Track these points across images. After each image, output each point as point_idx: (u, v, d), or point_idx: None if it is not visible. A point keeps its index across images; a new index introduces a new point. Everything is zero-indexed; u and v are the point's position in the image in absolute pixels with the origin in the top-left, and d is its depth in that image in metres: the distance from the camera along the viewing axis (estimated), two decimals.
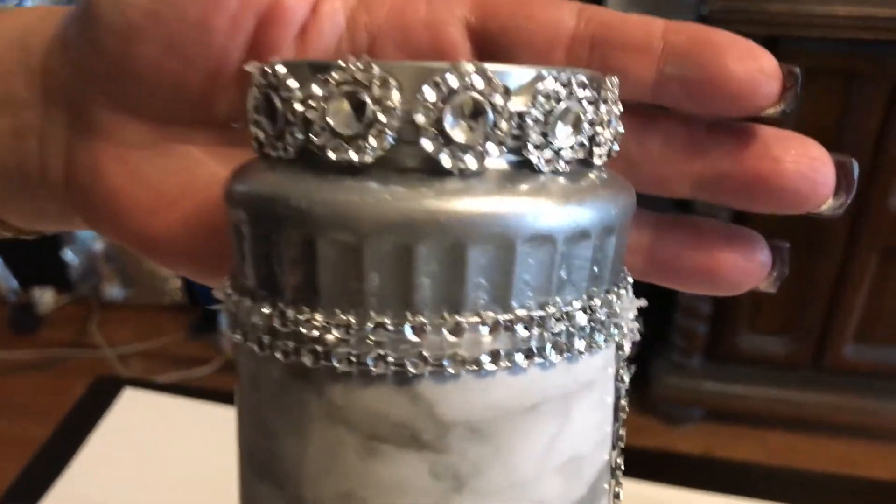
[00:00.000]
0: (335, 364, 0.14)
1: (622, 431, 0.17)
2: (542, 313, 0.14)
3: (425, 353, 0.13)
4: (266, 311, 0.14)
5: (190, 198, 0.20)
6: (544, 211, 0.14)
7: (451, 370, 0.14)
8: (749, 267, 0.19)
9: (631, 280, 0.17)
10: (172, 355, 1.61)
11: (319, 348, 0.14)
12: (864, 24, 1.07)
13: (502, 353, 0.14)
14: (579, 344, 0.15)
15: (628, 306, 0.16)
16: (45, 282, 1.77)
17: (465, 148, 0.14)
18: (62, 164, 0.20)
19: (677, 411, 1.43)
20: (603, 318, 0.15)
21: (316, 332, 0.14)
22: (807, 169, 0.18)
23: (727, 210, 1.24)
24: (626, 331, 0.16)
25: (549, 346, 0.14)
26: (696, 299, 1.33)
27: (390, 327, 0.13)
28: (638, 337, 0.17)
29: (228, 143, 0.20)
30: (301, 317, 0.14)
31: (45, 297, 1.76)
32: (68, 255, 1.74)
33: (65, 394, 0.80)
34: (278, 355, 0.14)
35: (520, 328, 0.14)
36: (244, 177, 0.15)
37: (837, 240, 1.27)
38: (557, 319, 0.14)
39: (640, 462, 0.55)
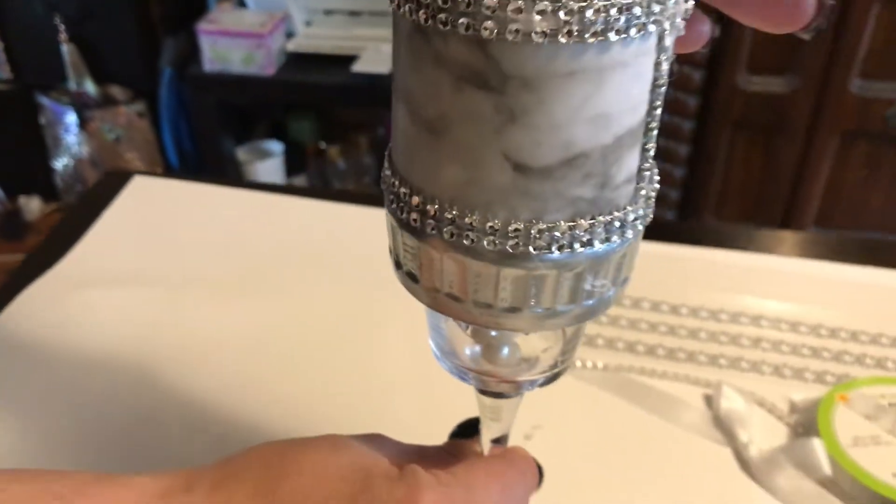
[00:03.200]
0: (439, 25, 0.20)
1: (659, 102, 0.22)
2: (582, 4, 0.19)
3: (494, 23, 0.19)
4: None
5: None
6: None
7: (510, 38, 0.19)
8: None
9: None
10: None
11: (429, 8, 0.20)
12: None
13: (548, 30, 0.19)
14: (612, 34, 0.19)
15: (671, 6, 0.20)
16: (31, 190, 1.80)
17: None
18: None
19: None
20: (639, 13, 0.19)
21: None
22: None
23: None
24: (666, 26, 0.20)
25: (586, 30, 0.19)
26: (663, 186, 1.39)
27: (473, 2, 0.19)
28: (682, 32, 0.21)
29: None
30: None
31: (32, 205, 1.79)
32: (55, 163, 1.76)
33: None
34: (404, 11, 0.20)
35: (562, 14, 0.19)
36: None
37: (799, 124, 1.33)
38: (597, 12, 0.19)
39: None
